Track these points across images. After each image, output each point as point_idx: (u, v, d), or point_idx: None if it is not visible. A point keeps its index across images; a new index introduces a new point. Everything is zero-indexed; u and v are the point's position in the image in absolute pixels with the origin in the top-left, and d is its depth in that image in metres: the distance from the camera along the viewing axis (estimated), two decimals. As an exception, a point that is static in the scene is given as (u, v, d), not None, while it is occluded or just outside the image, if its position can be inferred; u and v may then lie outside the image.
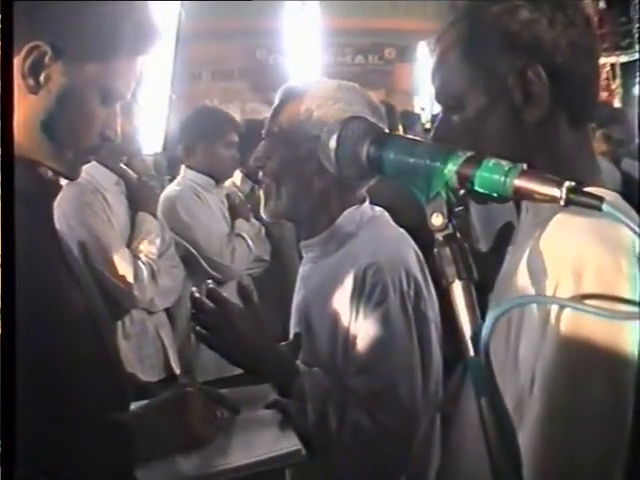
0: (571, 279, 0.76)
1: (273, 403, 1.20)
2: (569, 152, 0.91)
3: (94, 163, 2.23)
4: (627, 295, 0.74)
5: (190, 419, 1.05)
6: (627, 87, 6.07)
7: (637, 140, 3.94)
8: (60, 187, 1.00)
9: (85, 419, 0.88)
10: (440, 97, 0.95)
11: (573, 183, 0.64)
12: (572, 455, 0.75)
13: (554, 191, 0.64)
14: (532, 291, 0.80)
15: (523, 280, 0.83)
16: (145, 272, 2.26)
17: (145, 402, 1.09)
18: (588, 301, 0.75)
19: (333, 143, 0.77)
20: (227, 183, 3.19)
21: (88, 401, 0.90)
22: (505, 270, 0.91)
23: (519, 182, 0.65)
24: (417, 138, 0.77)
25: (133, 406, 1.07)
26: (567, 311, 0.76)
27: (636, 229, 0.60)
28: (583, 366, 0.75)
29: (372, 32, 7.60)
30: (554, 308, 0.78)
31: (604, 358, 0.75)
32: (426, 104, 7.55)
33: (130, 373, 1.26)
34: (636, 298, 0.74)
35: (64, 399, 0.86)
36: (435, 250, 0.67)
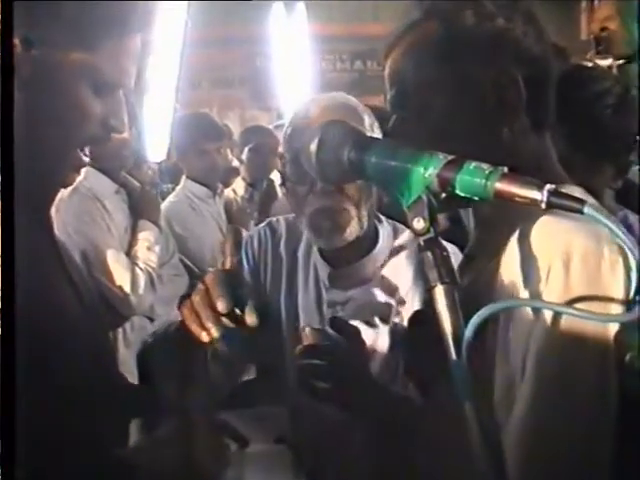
0: (561, 263, 0.78)
1: (283, 438, 1.14)
2: (534, 156, 0.92)
3: (94, 171, 2.26)
4: (608, 279, 0.77)
5: (197, 455, 0.94)
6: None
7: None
8: (57, 187, 0.95)
9: (84, 428, 0.87)
10: (401, 98, 0.95)
11: (554, 186, 0.64)
12: (558, 436, 0.77)
13: (535, 194, 0.64)
14: (521, 284, 0.81)
15: (510, 274, 0.83)
16: (142, 279, 2.26)
17: (147, 437, 1.00)
18: (576, 300, 0.77)
19: (314, 147, 0.76)
20: (227, 191, 3.20)
21: (87, 409, 0.89)
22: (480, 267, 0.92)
23: (500, 185, 0.65)
24: (399, 142, 0.78)
25: (133, 424, 1.02)
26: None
27: (616, 230, 0.60)
28: (572, 351, 0.77)
29: (370, 38, 7.60)
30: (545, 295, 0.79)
31: (593, 343, 0.77)
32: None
33: (130, 383, 1.21)
34: (619, 284, 0.77)
35: (63, 404, 0.85)
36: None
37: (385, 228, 1.40)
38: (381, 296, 1.35)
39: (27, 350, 0.75)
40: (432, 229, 0.67)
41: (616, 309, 0.77)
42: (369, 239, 1.37)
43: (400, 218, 1.37)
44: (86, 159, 0.92)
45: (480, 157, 0.69)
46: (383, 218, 1.42)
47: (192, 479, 0.93)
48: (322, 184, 1.26)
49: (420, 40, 0.93)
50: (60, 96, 0.86)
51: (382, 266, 1.37)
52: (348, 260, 1.36)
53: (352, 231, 1.32)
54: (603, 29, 2.68)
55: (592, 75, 1.49)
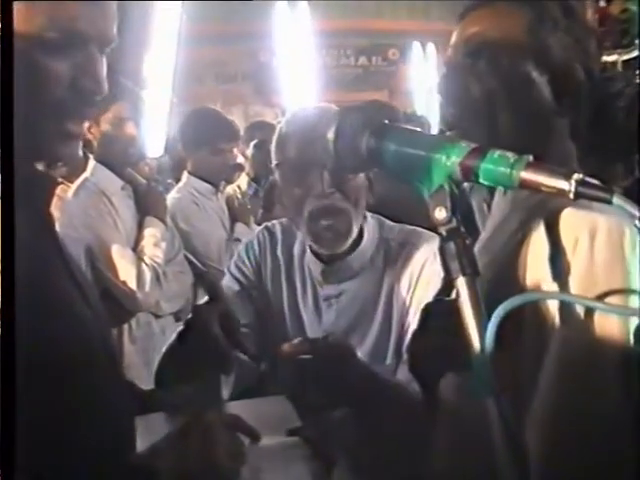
0: (587, 236, 0.79)
1: (296, 430, 1.12)
2: (561, 160, 0.91)
3: (100, 167, 2.27)
4: (630, 254, 0.79)
5: (214, 454, 0.90)
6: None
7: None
8: (56, 181, 0.92)
9: (88, 428, 0.85)
10: (460, 57, 0.93)
11: (582, 175, 0.62)
12: (580, 419, 0.77)
13: (562, 184, 0.62)
14: (548, 269, 0.81)
15: (535, 260, 0.83)
16: (149, 275, 2.25)
17: (161, 439, 0.94)
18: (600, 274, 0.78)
19: (331, 135, 0.74)
20: (230, 187, 3.18)
21: (91, 407, 0.87)
22: (498, 253, 0.91)
23: (525, 174, 0.64)
24: (419, 130, 0.76)
25: (139, 420, 0.98)
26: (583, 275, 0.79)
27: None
28: (595, 335, 0.77)
29: (375, 33, 7.59)
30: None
31: (615, 330, 0.77)
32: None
33: (130, 382, 1.18)
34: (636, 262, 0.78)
35: (64, 403, 0.84)
36: (439, 245, 0.66)
37: (369, 222, 1.44)
38: (372, 287, 1.40)
39: (27, 350, 0.73)
40: (454, 219, 0.65)
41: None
42: (357, 235, 1.42)
43: (388, 214, 1.44)
44: (74, 129, 0.82)
45: (513, 141, 0.68)
46: (367, 214, 1.45)
47: (211, 478, 0.90)
48: (320, 187, 1.31)
49: (506, 24, 0.91)
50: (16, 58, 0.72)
51: (371, 258, 1.41)
52: (339, 256, 1.41)
53: (352, 235, 1.37)
54: (624, 10, 2.68)
55: (605, 76, 1.49)
